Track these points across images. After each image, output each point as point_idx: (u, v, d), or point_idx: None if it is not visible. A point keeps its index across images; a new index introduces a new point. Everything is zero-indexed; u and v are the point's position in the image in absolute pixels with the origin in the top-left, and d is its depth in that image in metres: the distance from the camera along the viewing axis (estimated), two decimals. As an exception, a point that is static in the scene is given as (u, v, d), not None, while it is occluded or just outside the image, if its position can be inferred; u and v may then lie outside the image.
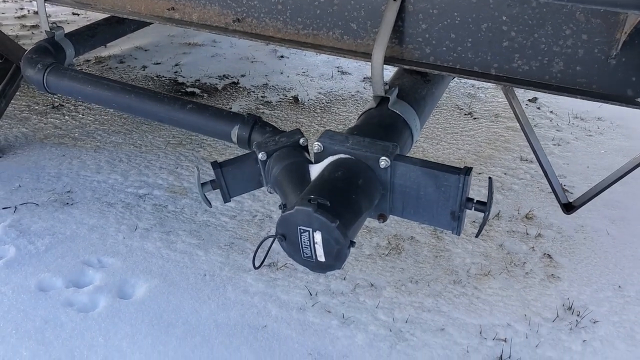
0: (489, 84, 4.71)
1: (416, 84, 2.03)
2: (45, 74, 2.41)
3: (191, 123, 2.14)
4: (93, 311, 2.29)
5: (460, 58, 1.76)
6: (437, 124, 4.01)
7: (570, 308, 2.39)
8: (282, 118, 4.05)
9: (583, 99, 1.67)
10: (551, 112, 4.27)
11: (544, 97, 4.51)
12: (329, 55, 1.99)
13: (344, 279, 2.52)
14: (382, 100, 1.89)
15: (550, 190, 3.17)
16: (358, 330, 2.26)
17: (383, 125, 1.83)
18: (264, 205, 3.03)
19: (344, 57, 1.97)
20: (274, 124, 2.30)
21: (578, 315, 2.35)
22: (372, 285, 2.49)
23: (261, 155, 1.77)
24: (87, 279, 2.47)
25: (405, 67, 1.86)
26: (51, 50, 2.55)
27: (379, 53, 1.77)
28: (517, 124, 3.97)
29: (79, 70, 2.48)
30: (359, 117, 1.92)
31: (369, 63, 1.81)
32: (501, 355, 2.15)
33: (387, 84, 1.91)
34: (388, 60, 1.83)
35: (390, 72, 2.16)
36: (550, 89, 1.68)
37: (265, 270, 2.55)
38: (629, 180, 3.10)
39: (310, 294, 2.43)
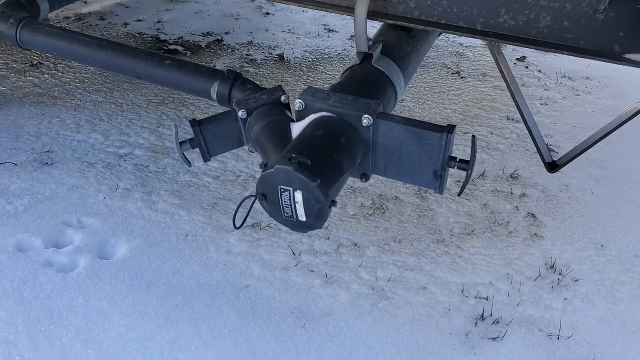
0: (477, 42, 4.64)
1: (401, 40, 1.98)
2: (19, 29, 2.33)
3: (169, 80, 2.08)
4: (73, 272, 2.26)
5: (446, 13, 1.71)
6: (424, 83, 3.96)
7: (552, 267, 2.40)
8: (268, 77, 3.98)
9: (570, 55, 1.63)
10: (539, 71, 4.22)
11: (532, 57, 4.46)
12: (312, 9, 1.93)
13: (328, 238, 2.51)
14: (365, 57, 1.85)
15: (535, 150, 3.16)
16: (341, 289, 2.26)
17: (366, 82, 1.79)
18: (247, 165, 2.99)
19: (327, 11, 1.92)
20: (259, 82, 2.25)
21: (560, 274, 2.36)
22: (355, 245, 2.48)
23: (241, 113, 1.72)
24: (67, 240, 2.43)
25: (390, 22, 1.81)
26: (24, 5, 2.46)
27: (362, 7, 1.71)
28: (505, 84, 3.94)
29: (54, 25, 2.39)
30: (342, 74, 1.88)
31: (353, 17, 1.75)
32: (483, 314, 2.16)
33: (371, 40, 1.86)
34: (372, 15, 1.78)
35: (375, 28, 2.10)
36: (536, 45, 1.65)
37: (249, 231, 2.53)
38: (614, 140, 3.11)
39: (294, 254, 2.42)
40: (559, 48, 1.63)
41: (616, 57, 1.57)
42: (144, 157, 3.01)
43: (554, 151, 3.19)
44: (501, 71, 2.13)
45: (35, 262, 2.29)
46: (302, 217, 1.52)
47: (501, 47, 2.55)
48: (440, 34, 2.31)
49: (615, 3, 1.49)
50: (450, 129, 1.53)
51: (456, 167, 1.58)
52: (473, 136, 1.59)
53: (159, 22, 4.89)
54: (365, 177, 1.71)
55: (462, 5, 1.68)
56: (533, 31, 1.64)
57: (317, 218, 1.51)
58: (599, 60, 1.60)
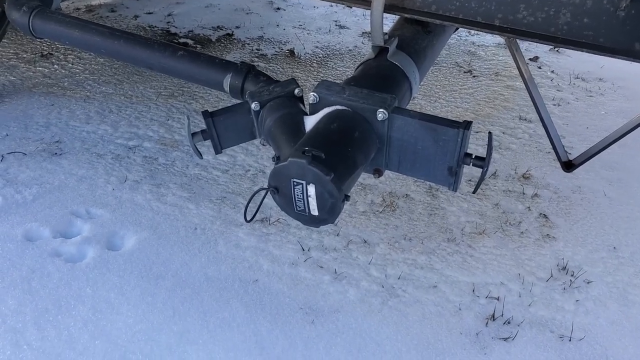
0: (489, 41, 4.61)
1: (416, 35, 1.96)
2: (31, 17, 2.32)
3: (182, 71, 2.07)
4: (81, 262, 2.25)
5: (463, 7, 1.68)
6: (436, 81, 3.94)
7: (564, 268, 2.37)
8: (278, 72, 3.96)
9: (589, 52, 1.61)
10: (552, 71, 4.19)
11: (545, 57, 4.43)
12: (330, 1, 1.90)
13: (337, 235, 2.49)
14: (381, 51, 1.83)
15: (548, 150, 3.14)
16: (350, 286, 2.24)
17: (381, 76, 1.77)
18: (257, 160, 2.97)
19: (343, 4, 1.89)
20: (268, 75, 2.22)
21: (572, 276, 2.33)
22: (365, 241, 2.46)
23: (254, 105, 1.71)
24: (75, 230, 2.42)
25: (406, 15, 1.78)
26: (37, -7, 2.45)
27: (378, 0, 1.69)
28: (517, 83, 3.91)
29: (67, 14, 2.38)
30: (356, 68, 1.86)
31: (369, 10, 1.73)
32: (493, 314, 2.14)
33: (386, 34, 1.84)
34: (388, 8, 1.75)
35: (391, 22, 2.08)
36: (555, 42, 1.62)
37: (258, 225, 2.51)
38: (627, 142, 3.07)
39: (303, 250, 2.40)
40: (577, 45, 1.60)
41: (636, 55, 1.54)
42: (153, 150, 3.00)
43: (566, 152, 3.16)
44: (519, 68, 2.10)
45: (43, 252, 2.27)
46: (315, 211, 1.51)
47: (518, 42, 2.52)
48: (456, 29, 2.29)
49: (637, 0, 1.46)
50: (467, 124, 1.51)
51: (471, 164, 1.55)
52: (489, 132, 1.57)
53: (169, 15, 4.88)
54: (378, 172, 1.69)
55: (480, 0, 1.65)
56: (552, 28, 1.61)
57: (329, 212, 1.49)
58: (618, 58, 1.58)
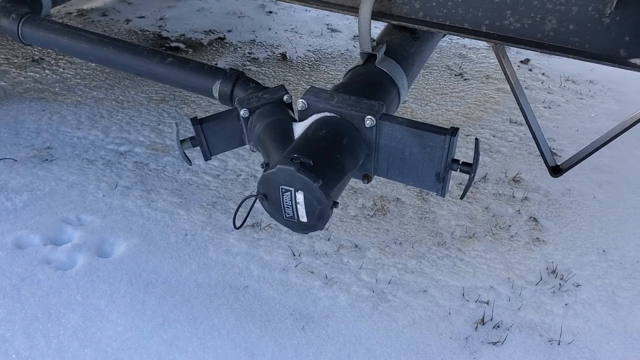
0: (481, 44, 4.63)
1: (405, 41, 1.97)
2: (20, 24, 2.32)
3: (171, 77, 2.07)
4: (71, 269, 2.25)
5: (451, 14, 1.70)
6: (427, 85, 3.95)
7: (554, 271, 2.38)
8: (270, 75, 3.96)
9: (575, 58, 1.62)
10: (543, 74, 4.21)
11: (536, 59, 4.44)
12: (316, 8, 1.91)
13: (328, 239, 2.50)
14: (369, 58, 1.84)
15: (538, 153, 3.14)
16: (341, 291, 2.24)
17: (369, 83, 1.78)
18: (248, 164, 2.97)
19: (331, 10, 1.90)
20: (260, 81, 2.23)
21: (561, 279, 2.35)
22: (356, 246, 2.47)
23: (243, 112, 1.71)
24: (66, 237, 2.42)
25: (394, 22, 1.80)
26: (26, 0, 2.44)
27: (366, 7, 1.70)
28: (508, 86, 3.92)
29: (56, 21, 2.38)
30: (345, 75, 1.86)
31: (357, 17, 1.74)
32: (483, 318, 2.15)
33: (374, 40, 1.85)
34: (376, 15, 1.77)
35: (378, 28, 2.09)
36: (542, 48, 1.63)
37: (249, 231, 2.52)
38: (617, 145, 3.09)
39: (294, 255, 2.40)
40: (564, 51, 1.61)
41: (621, 62, 1.56)
42: (143, 155, 2.99)
43: (556, 155, 3.18)
44: (505, 73, 2.12)
45: (34, 259, 2.27)
46: (303, 218, 1.51)
47: (505, 48, 2.53)
48: (444, 35, 2.30)
49: (621, 7, 1.48)
50: (453, 131, 1.52)
51: (459, 170, 1.57)
52: (476, 139, 1.58)
53: (161, 19, 4.87)
54: (367, 178, 1.70)
55: (467, 7, 1.66)
56: (538, 34, 1.62)
57: (318, 219, 1.50)
58: (604, 64, 1.59)
